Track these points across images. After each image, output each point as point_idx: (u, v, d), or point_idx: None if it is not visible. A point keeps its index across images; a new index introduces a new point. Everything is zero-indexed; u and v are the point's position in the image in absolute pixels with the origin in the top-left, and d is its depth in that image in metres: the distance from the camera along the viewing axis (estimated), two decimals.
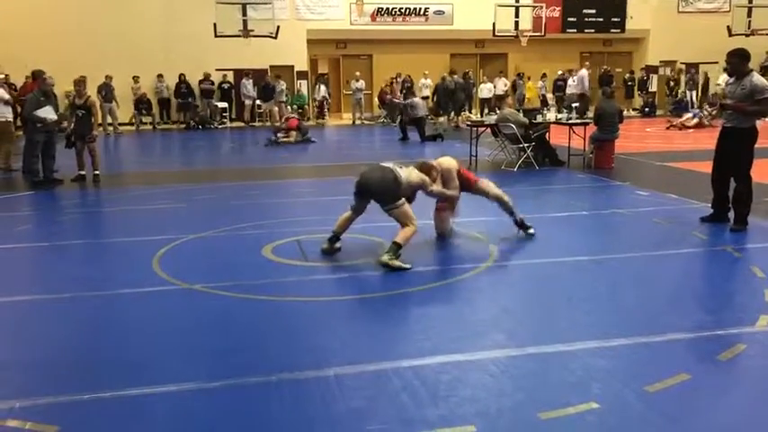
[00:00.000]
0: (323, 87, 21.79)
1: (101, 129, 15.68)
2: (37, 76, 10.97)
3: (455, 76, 20.16)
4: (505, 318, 4.31)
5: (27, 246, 6.58)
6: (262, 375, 3.48)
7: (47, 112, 9.80)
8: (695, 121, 17.54)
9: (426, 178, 5.78)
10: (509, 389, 3.33)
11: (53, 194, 9.40)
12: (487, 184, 6.34)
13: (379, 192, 5.49)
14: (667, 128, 17.74)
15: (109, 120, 19.09)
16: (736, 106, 6.37)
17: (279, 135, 15.68)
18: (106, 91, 18.69)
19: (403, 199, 5.51)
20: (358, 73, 21.97)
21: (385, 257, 5.24)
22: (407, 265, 5.28)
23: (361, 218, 5.88)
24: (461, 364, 3.60)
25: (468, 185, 6.30)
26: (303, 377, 3.46)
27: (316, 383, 3.39)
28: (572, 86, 21.95)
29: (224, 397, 3.28)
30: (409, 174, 5.65)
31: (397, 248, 5.28)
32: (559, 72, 22.26)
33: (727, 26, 20.79)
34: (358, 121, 21.66)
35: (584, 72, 20.64)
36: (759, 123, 6.66)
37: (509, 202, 6.28)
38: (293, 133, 15.70)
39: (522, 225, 6.27)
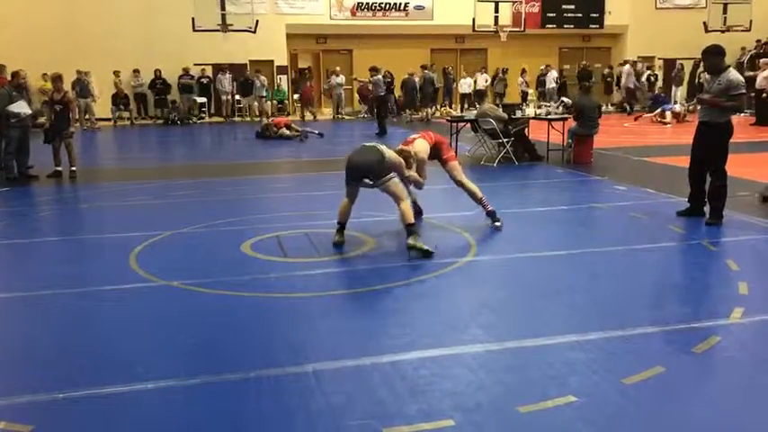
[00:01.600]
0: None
1: (77, 125, 15.48)
2: None
3: (426, 72, 20.11)
4: (484, 312, 4.32)
5: (1, 243, 6.47)
6: (240, 372, 3.46)
7: (20, 107, 9.64)
8: (668, 115, 17.73)
9: (404, 163, 6.01)
10: (488, 383, 3.34)
11: (28, 191, 9.25)
12: (455, 167, 6.51)
13: (368, 169, 5.68)
14: (635, 118, 18.05)
15: (86, 115, 18.85)
16: (712, 101, 6.44)
17: (274, 130, 15.61)
18: (80, 86, 18.43)
19: (393, 173, 5.72)
20: (338, 68, 21.88)
21: (410, 241, 5.48)
22: (429, 248, 5.51)
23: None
24: (440, 358, 3.61)
25: (440, 157, 6.50)
26: (282, 373, 3.45)
27: (295, 379, 3.38)
28: (550, 80, 22.11)
29: (202, 394, 3.26)
30: (392, 155, 5.85)
31: (412, 229, 5.53)
32: (542, 67, 22.39)
33: (704, 22, 21.02)
34: (338, 116, 21.60)
35: (627, 68, 20.75)
36: (734, 119, 6.75)
37: (474, 190, 6.47)
38: (293, 127, 15.81)
39: (492, 215, 6.42)
